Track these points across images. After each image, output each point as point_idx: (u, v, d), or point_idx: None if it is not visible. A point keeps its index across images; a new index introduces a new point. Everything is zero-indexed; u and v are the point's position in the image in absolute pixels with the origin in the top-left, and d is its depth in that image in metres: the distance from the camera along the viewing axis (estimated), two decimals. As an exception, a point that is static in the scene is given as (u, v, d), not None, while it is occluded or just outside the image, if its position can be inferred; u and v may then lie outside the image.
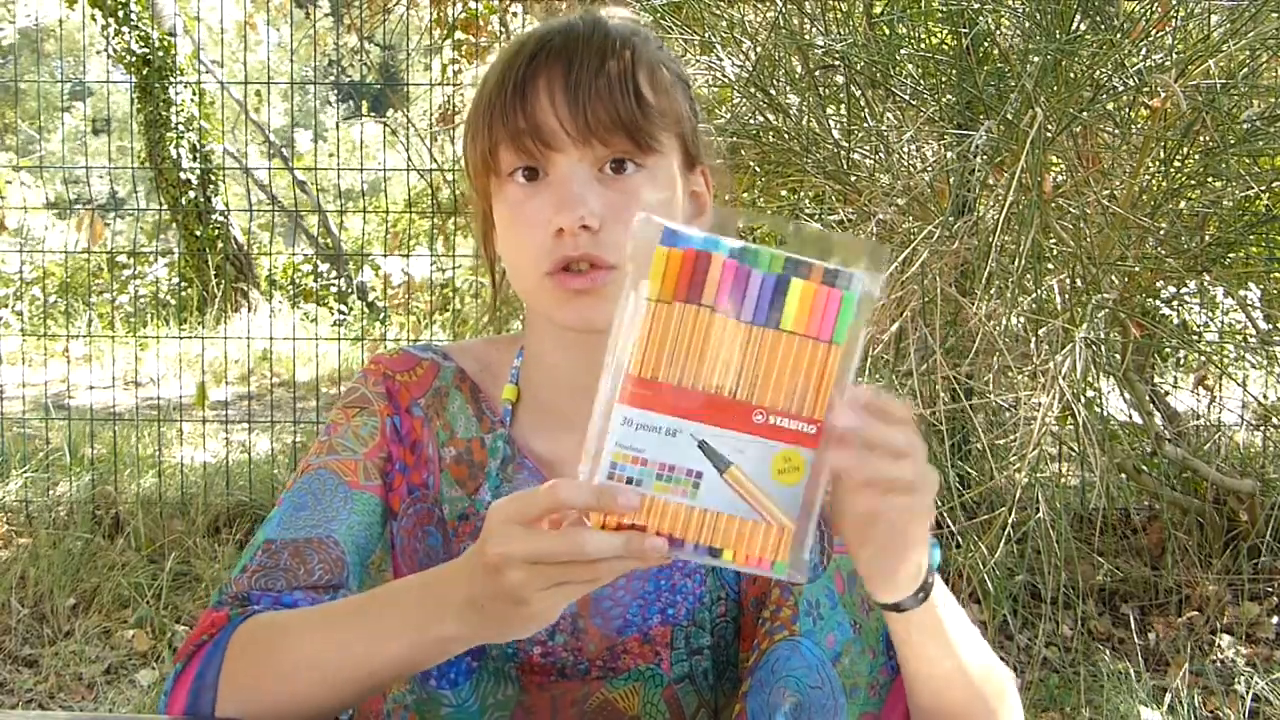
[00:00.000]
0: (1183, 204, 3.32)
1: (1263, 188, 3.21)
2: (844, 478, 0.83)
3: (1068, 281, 3.01)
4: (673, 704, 1.10)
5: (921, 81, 3.35)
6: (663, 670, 1.10)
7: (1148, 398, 3.61)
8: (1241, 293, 3.77)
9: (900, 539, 0.87)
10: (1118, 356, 3.28)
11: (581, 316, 1.04)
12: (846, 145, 3.26)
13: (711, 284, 0.81)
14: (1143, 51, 2.90)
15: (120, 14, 8.46)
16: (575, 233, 1.01)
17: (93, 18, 8.39)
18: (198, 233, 8.77)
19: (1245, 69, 3.09)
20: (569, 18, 1.08)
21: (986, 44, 3.21)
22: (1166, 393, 4.13)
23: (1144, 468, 3.66)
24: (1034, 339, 2.96)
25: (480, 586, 0.85)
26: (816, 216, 3.82)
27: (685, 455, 0.81)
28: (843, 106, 3.35)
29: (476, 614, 0.87)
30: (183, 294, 8.52)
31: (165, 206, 8.72)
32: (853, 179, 3.22)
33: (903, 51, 3.32)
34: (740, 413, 0.81)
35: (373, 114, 8.20)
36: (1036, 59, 2.85)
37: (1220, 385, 4.13)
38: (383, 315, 8.49)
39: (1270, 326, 3.91)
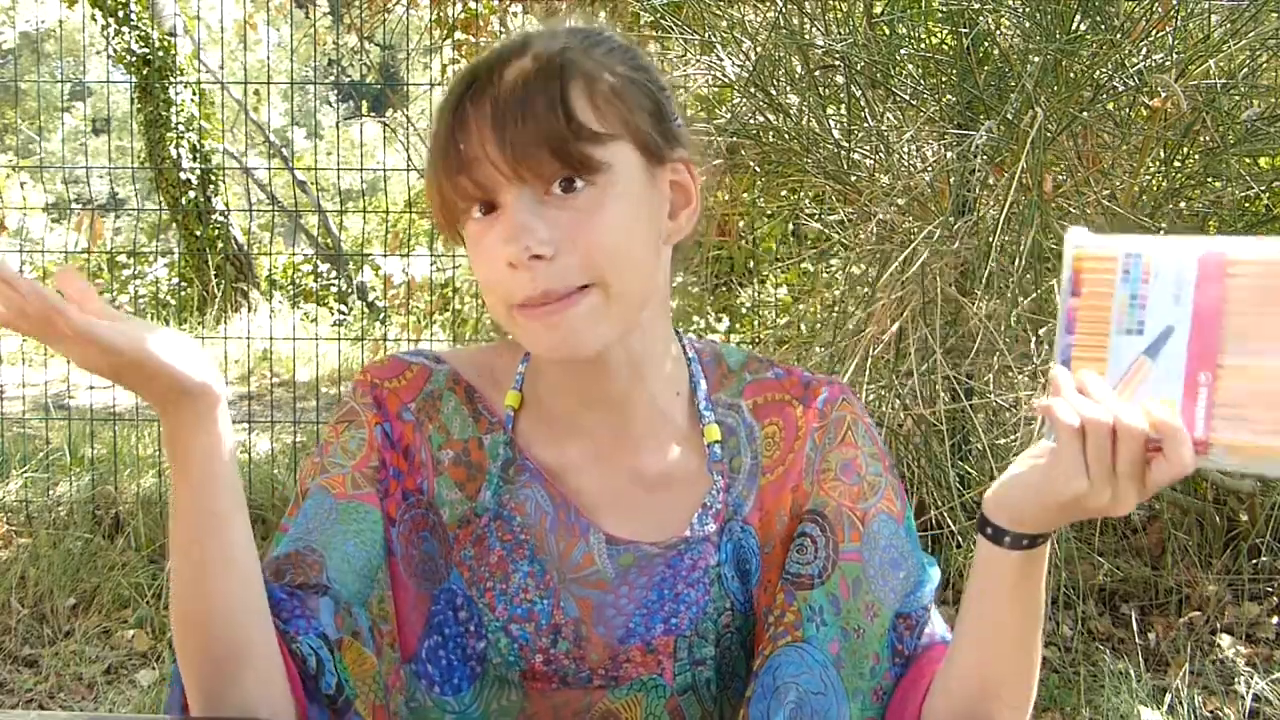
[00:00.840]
0: (1183, 204, 3.32)
1: (1263, 188, 3.21)
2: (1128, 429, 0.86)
3: (1068, 281, 3.00)
4: (675, 715, 1.10)
5: (922, 81, 3.35)
6: (665, 681, 1.09)
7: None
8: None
9: (1071, 495, 0.89)
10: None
11: (560, 343, 1.01)
12: (846, 145, 3.26)
13: None
14: (1143, 51, 2.90)
15: (120, 14, 8.46)
16: (527, 265, 0.97)
17: (93, 18, 8.39)
18: (198, 233, 8.77)
19: (1245, 69, 3.09)
20: (502, 44, 1.05)
21: (986, 44, 3.21)
22: (1166, 393, 4.13)
23: (1144, 468, 3.65)
24: (1034, 339, 2.96)
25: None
26: (816, 216, 3.82)
27: (1158, 316, 0.86)
28: (843, 106, 3.35)
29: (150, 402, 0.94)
30: (183, 294, 8.52)
31: (165, 206, 8.72)
32: (853, 179, 3.22)
33: (903, 51, 3.32)
34: (1210, 355, 0.84)
35: (372, 114, 8.20)
36: (1036, 59, 2.85)
37: (1220, 385, 4.12)
38: (383, 315, 8.49)
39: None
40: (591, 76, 1.02)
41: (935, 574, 1.13)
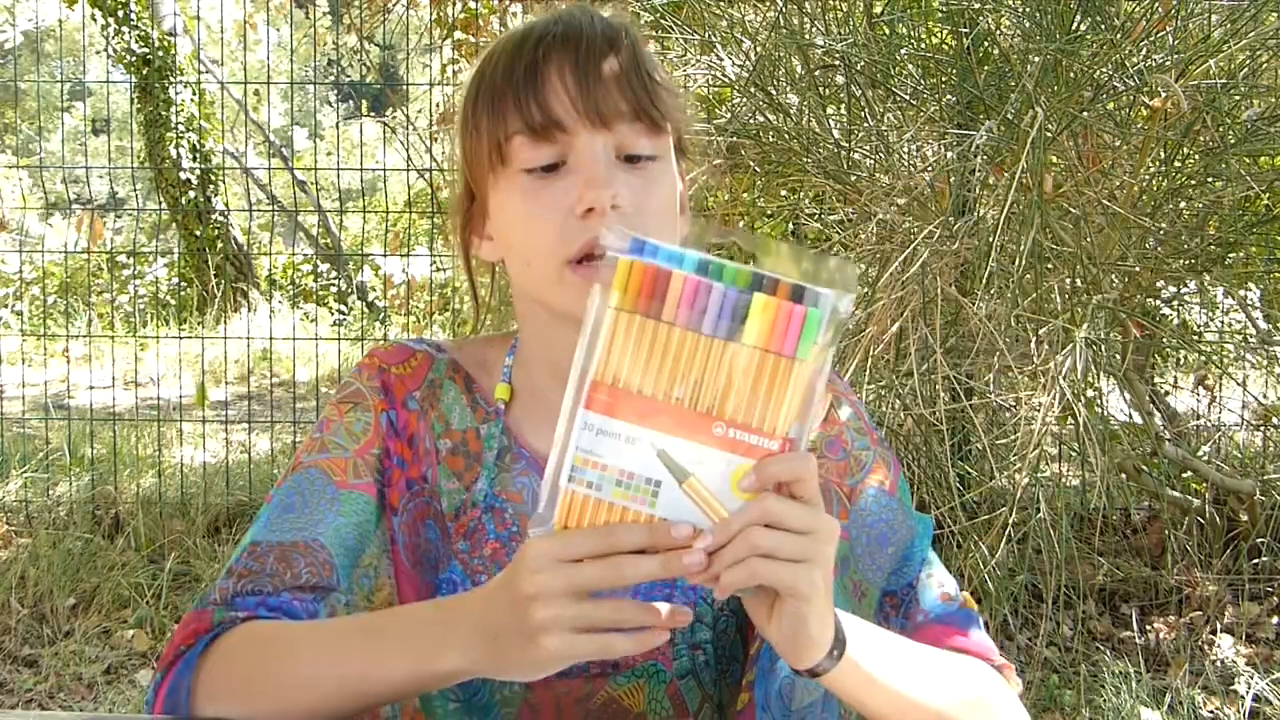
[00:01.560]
0: (1183, 204, 3.32)
1: (1263, 188, 3.21)
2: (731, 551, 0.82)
3: (1068, 281, 3.01)
4: (676, 700, 1.11)
5: (922, 81, 3.35)
6: (664, 666, 1.10)
7: (1148, 398, 3.61)
8: (1241, 293, 3.78)
9: (794, 610, 0.84)
10: (1118, 356, 3.28)
11: None
12: (846, 145, 3.26)
13: (672, 300, 0.82)
14: (1143, 51, 2.90)
15: (120, 14, 8.46)
16: (605, 213, 1.00)
17: (93, 18, 8.39)
18: (198, 233, 8.77)
19: (1245, 69, 3.09)
20: (559, 12, 1.08)
21: (987, 44, 3.21)
22: (1166, 393, 4.13)
23: (1144, 468, 3.66)
24: (1034, 339, 2.96)
25: (500, 618, 0.85)
26: (816, 216, 3.82)
27: (644, 463, 0.82)
28: (843, 106, 3.35)
29: (486, 645, 0.87)
30: (182, 294, 8.53)
31: (165, 206, 8.72)
32: (853, 179, 3.22)
33: (903, 51, 3.32)
34: (700, 424, 0.82)
35: (372, 114, 8.20)
36: (1037, 59, 2.85)
37: (1220, 385, 4.13)
38: (383, 315, 8.50)
39: (1270, 326, 3.91)
40: (648, 53, 1.07)
41: (927, 532, 1.13)
